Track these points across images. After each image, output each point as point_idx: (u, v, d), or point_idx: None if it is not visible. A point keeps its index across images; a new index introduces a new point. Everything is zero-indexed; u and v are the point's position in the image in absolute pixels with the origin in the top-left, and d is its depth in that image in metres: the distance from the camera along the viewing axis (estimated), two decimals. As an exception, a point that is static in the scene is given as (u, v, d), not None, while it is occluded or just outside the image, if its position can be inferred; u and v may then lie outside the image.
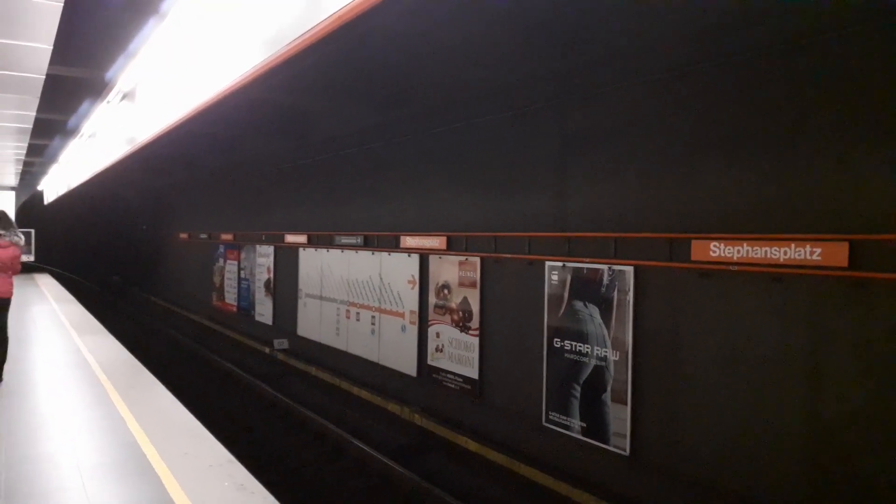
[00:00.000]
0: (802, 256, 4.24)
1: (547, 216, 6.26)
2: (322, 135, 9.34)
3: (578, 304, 5.88)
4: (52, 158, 21.27)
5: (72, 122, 14.34)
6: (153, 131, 9.55)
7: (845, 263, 4.04)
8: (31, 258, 29.85)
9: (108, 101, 10.98)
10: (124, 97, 10.61)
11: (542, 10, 4.43)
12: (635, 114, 5.44)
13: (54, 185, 26.39)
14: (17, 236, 6.55)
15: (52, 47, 6.46)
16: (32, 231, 30.18)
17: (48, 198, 29.97)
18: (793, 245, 4.30)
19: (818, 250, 4.18)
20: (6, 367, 6.66)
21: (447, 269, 7.55)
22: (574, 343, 5.90)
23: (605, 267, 5.62)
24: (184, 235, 18.11)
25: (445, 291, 7.58)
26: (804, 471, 4.32)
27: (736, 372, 4.70)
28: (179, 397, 6.27)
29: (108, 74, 9.75)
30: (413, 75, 6.51)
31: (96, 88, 10.90)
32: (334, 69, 6.11)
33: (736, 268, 4.60)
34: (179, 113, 8.08)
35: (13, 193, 24.94)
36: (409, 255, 8.21)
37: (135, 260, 24.54)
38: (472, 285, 7.16)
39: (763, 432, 4.53)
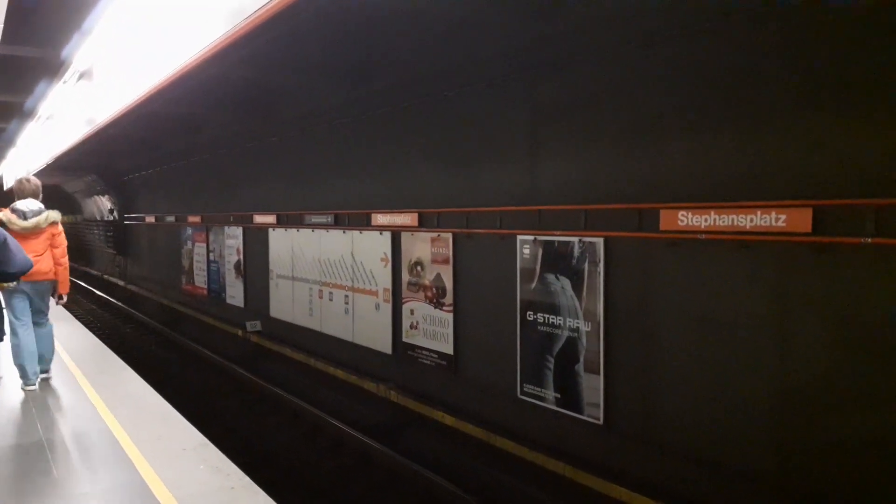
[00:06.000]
0: (768, 223, 4.30)
1: (518, 190, 6.26)
2: (289, 112, 9.18)
3: (550, 277, 5.91)
4: (10, 142, 20.63)
5: (28, 103, 13.89)
6: (112, 112, 9.29)
7: (809, 229, 4.11)
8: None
9: (65, 81, 10.64)
10: (81, 77, 10.29)
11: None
12: (605, 84, 5.43)
13: (12, 169, 25.60)
14: None
15: (2, 26, 6.23)
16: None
17: (6, 183, 29.10)
18: (758, 212, 4.35)
19: (783, 216, 4.24)
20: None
21: (420, 246, 7.53)
22: (546, 315, 5.95)
23: (575, 239, 5.64)
24: (150, 219, 17.77)
25: (418, 268, 7.56)
26: (772, 433, 4.43)
27: (706, 339, 4.79)
28: (151, 382, 6.19)
29: (64, 53, 9.43)
30: (383, 49, 6.41)
31: (52, 68, 10.56)
32: (300, 43, 5.98)
33: (704, 236, 4.65)
34: (139, 92, 7.86)
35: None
36: (380, 233, 8.16)
37: (100, 244, 24.03)
38: (445, 261, 7.15)
39: (733, 397, 4.63)
